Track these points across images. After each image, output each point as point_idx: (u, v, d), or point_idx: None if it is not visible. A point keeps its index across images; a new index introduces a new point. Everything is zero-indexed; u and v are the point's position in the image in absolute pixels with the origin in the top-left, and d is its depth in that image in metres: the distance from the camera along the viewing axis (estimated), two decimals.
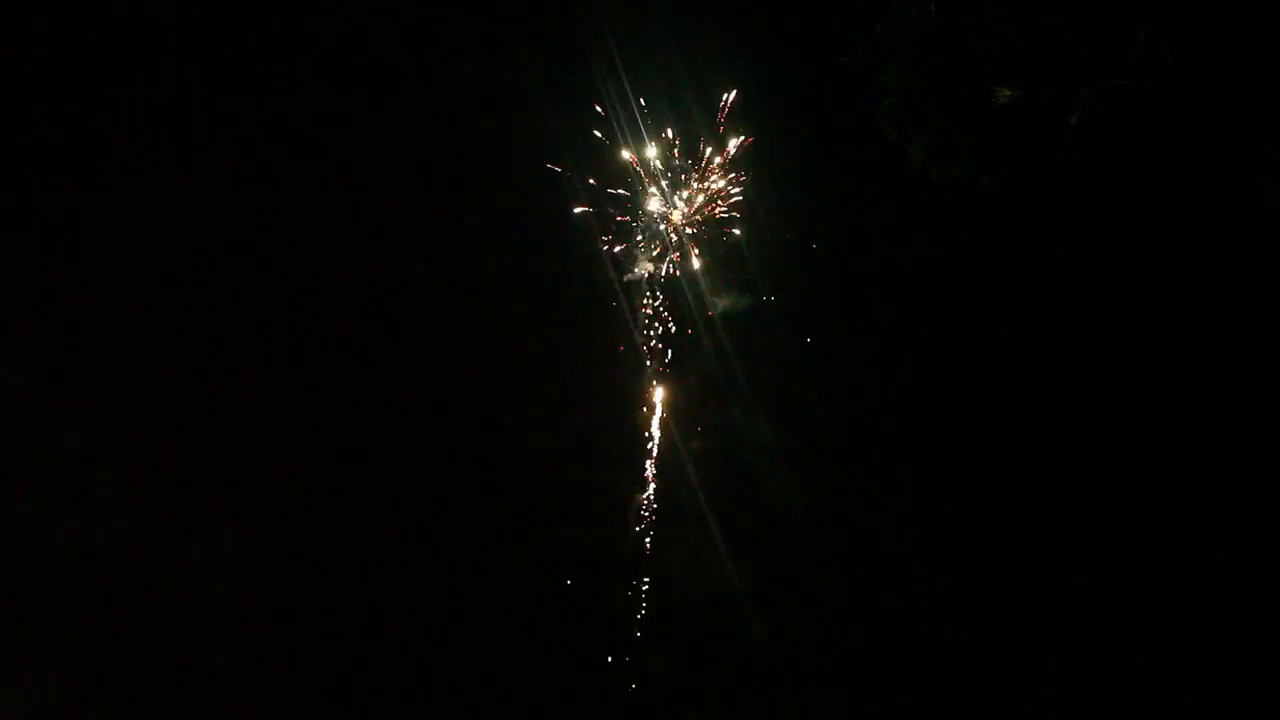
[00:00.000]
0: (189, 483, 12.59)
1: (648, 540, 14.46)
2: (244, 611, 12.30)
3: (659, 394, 15.01)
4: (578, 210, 14.77)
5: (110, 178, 12.01)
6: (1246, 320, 8.17)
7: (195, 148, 12.44)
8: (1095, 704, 10.02)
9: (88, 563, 11.59)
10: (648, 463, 14.61)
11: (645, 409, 14.82)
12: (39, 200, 11.61)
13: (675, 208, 15.35)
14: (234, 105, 12.33)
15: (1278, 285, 7.39)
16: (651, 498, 14.55)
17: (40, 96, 11.40)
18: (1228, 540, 9.20)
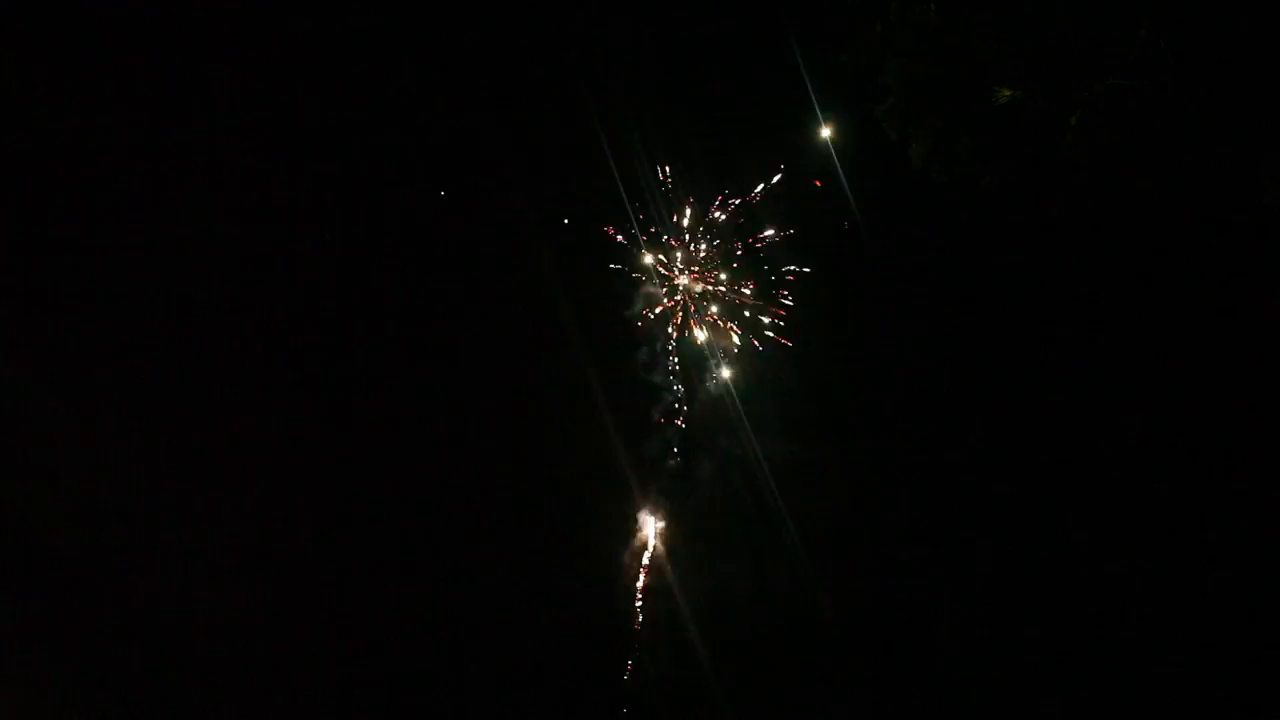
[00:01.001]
0: (189, 483, 12.60)
1: (653, 546, 14.48)
2: (244, 611, 12.30)
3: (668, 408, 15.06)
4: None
5: (111, 177, 12.01)
6: (1247, 320, 8.16)
7: (199, 148, 12.45)
8: (1098, 706, 10.02)
9: (88, 563, 11.59)
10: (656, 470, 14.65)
11: (656, 423, 14.87)
12: (39, 200, 11.61)
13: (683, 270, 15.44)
14: (241, 108, 12.34)
15: (1278, 285, 7.38)
16: (658, 508, 14.59)
17: (40, 96, 11.39)
18: (1229, 540, 9.20)
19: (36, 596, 11.37)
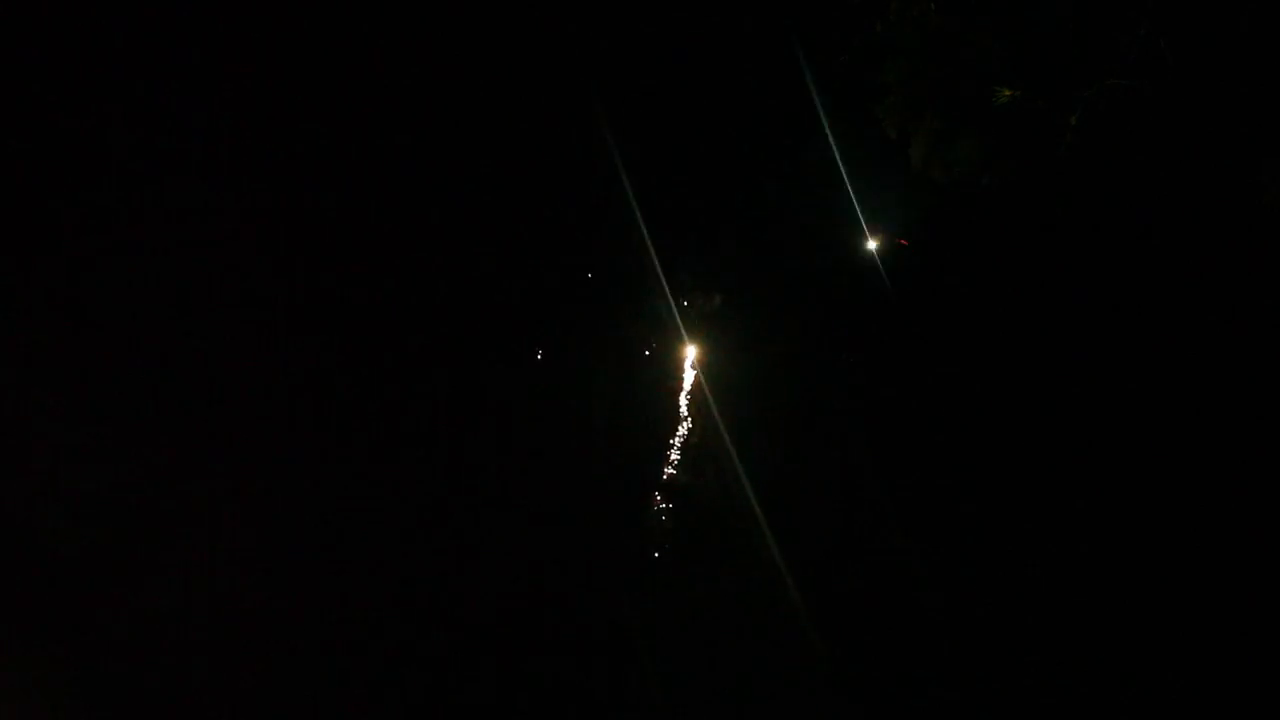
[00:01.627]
0: (189, 483, 12.61)
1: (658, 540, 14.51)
2: (244, 611, 12.31)
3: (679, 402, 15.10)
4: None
5: (111, 177, 12.03)
6: (1247, 320, 8.18)
7: (200, 148, 12.46)
8: (1098, 706, 10.03)
9: (88, 563, 11.61)
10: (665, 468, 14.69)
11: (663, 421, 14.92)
12: (39, 200, 11.63)
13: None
14: (244, 107, 12.34)
15: (1278, 285, 7.40)
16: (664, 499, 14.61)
17: (40, 96, 11.41)
18: (1229, 541, 9.22)
19: (36, 596, 11.39)
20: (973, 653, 11.32)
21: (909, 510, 12.64)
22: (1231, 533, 9.16)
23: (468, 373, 14.05)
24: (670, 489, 14.72)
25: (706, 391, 14.99)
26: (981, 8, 5.92)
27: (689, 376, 15.11)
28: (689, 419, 15.07)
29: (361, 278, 13.68)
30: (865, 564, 12.97)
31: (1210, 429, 9.25)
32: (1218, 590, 9.22)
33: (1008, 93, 5.93)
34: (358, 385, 13.72)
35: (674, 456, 14.82)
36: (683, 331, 15.12)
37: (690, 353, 15.38)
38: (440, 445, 13.89)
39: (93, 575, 11.68)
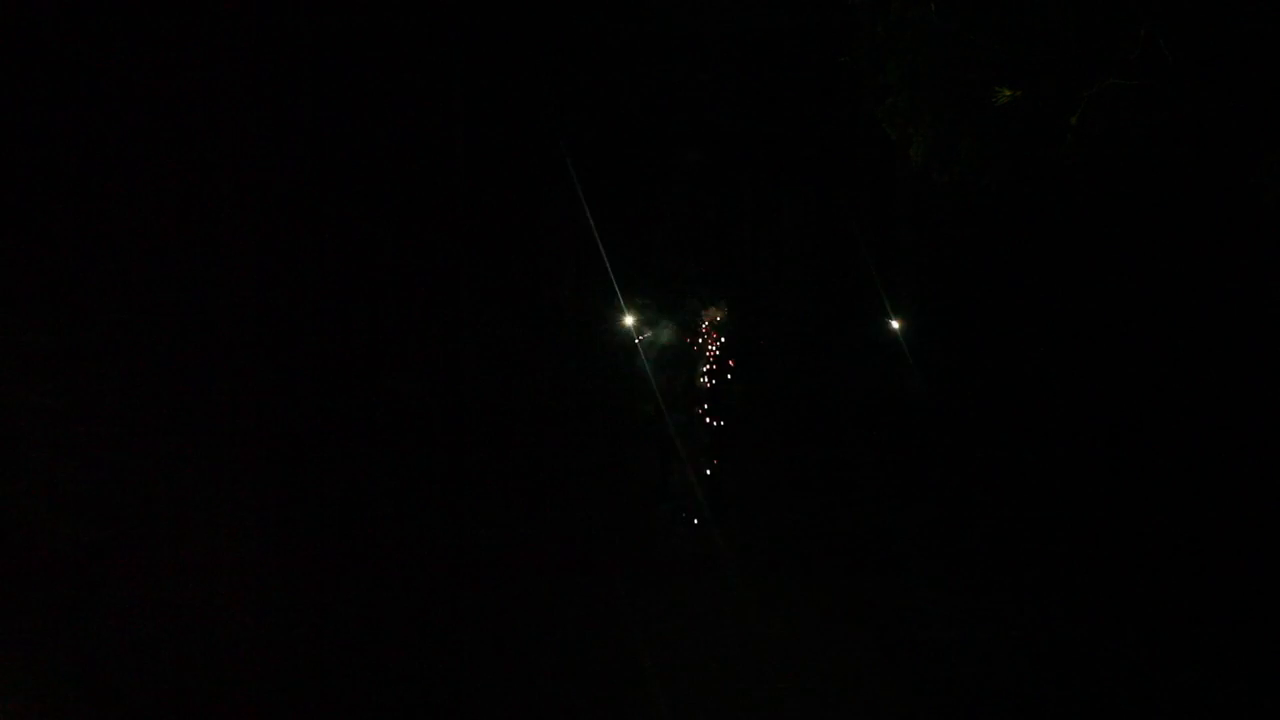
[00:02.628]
0: (189, 483, 12.59)
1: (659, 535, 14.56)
2: (244, 611, 12.29)
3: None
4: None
5: (111, 176, 12.01)
6: (1246, 320, 8.18)
7: (199, 148, 12.44)
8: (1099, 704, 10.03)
9: (87, 563, 11.60)
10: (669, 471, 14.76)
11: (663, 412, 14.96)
12: (39, 199, 11.62)
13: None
14: (256, 109, 12.32)
15: (1278, 285, 7.40)
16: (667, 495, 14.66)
17: (40, 96, 11.41)
18: (1229, 541, 9.22)
19: (36, 597, 11.38)
20: (977, 655, 11.32)
21: (908, 508, 12.66)
22: (1230, 535, 9.16)
23: (464, 369, 14.04)
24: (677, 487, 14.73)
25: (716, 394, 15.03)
26: (981, 8, 5.93)
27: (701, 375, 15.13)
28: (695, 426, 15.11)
29: (365, 289, 13.66)
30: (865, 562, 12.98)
31: (1210, 429, 9.26)
32: (1218, 593, 9.23)
33: (1008, 93, 5.93)
34: (358, 380, 13.70)
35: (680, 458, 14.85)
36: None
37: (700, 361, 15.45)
38: (439, 442, 13.88)
39: (92, 575, 11.67)
